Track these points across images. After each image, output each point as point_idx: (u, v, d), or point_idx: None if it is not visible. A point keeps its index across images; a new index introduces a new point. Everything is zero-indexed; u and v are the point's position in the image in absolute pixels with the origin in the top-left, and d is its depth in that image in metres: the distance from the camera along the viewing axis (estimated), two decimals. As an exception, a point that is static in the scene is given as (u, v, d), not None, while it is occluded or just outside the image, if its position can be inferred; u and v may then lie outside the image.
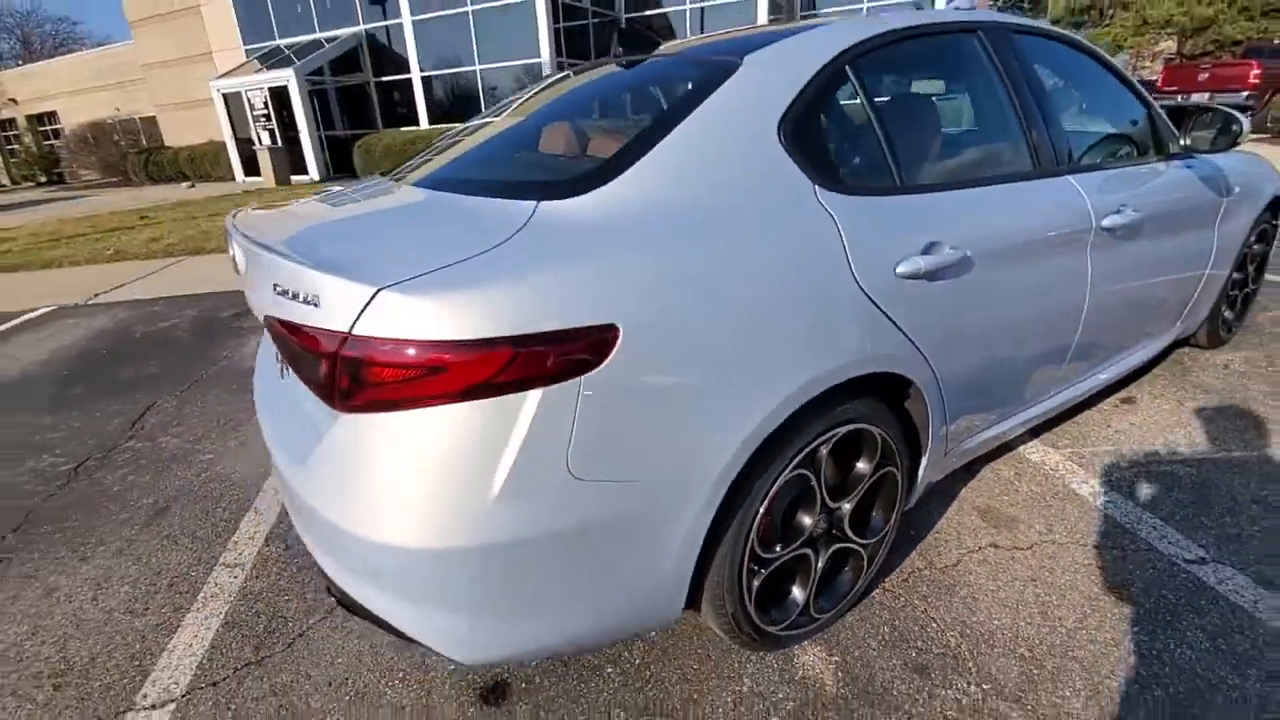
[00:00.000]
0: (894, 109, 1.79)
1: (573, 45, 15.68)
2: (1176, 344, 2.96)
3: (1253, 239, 2.88)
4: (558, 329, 1.03)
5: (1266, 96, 13.56)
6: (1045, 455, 2.34)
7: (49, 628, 1.80)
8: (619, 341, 1.06)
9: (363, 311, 1.02)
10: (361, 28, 15.98)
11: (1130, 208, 2.00)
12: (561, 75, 2.29)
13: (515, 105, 2.18)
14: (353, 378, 1.06)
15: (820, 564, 1.51)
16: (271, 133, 15.48)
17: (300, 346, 1.14)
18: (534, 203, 1.22)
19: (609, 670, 1.55)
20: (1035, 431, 2.47)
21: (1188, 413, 2.57)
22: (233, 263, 1.57)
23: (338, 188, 2.07)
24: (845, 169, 1.50)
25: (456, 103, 15.75)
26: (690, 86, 1.47)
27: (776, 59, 1.46)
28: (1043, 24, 2.14)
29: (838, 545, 1.54)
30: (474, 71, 15.19)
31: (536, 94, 2.21)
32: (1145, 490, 2.11)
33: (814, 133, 1.42)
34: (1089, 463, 2.27)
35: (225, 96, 16.01)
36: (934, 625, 1.62)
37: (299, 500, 1.25)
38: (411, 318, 1.00)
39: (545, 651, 1.27)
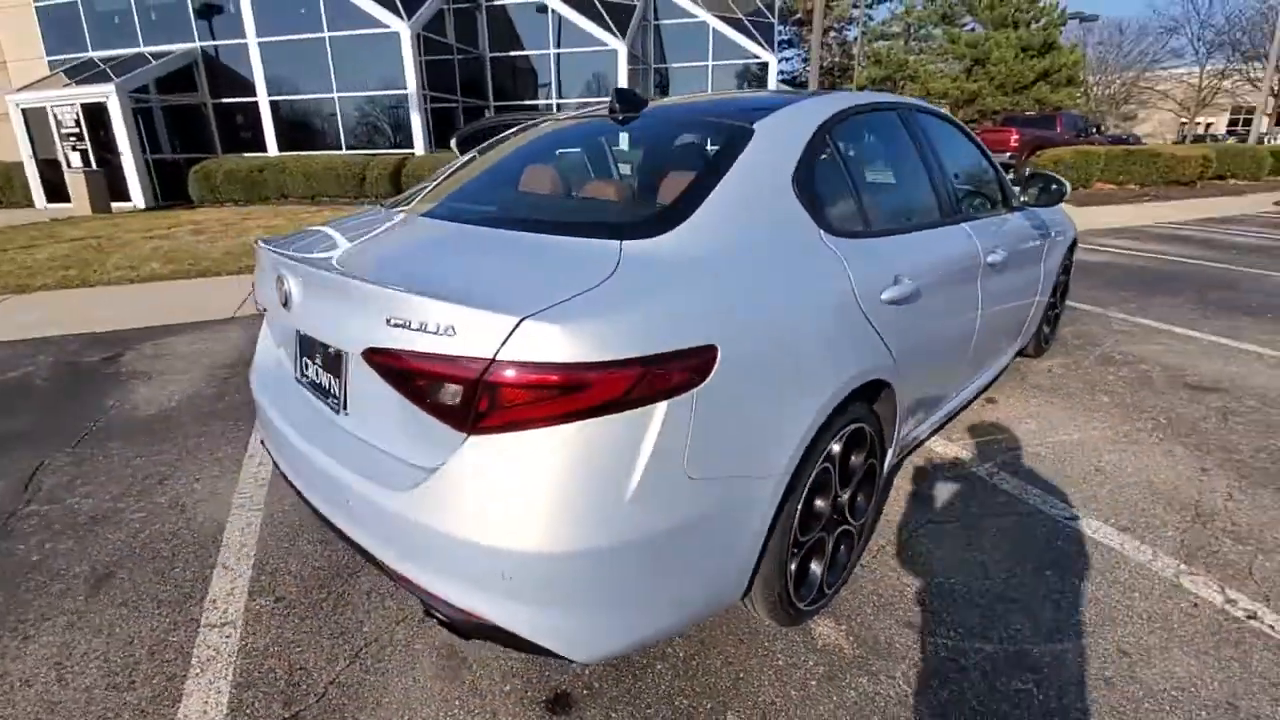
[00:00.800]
0: (858, 167, 2.15)
1: (439, 79, 15.45)
2: (1018, 354, 3.67)
3: (1060, 272, 3.68)
4: (677, 349, 1.19)
5: (1024, 156, 16.69)
6: (946, 447, 2.82)
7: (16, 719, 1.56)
8: (718, 359, 1.24)
9: (507, 339, 1.11)
10: (197, 44, 14.56)
11: (1000, 248, 2.54)
12: (541, 120, 2.46)
13: (506, 147, 2.35)
14: (492, 400, 1.14)
15: (830, 544, 1.77)
16: (84, 154, 13.51)
17: (427, 375, 1.20)
18: (617, 242, 1.38)
19: (659, 667, 1.67)
20: (937, 428, 2.96)
21: (1033, 406, 3.22)
22: (276, 294, 1.55)
23: (353, 219, 2.08)
24: (834, 216, 1.79)
25: (310, 130, 14.81)
26: (719, 146, 1.71)
27: (779, 125, 1.74)
28: (929, 104, 2.65)
29: (841, 527, 1.81)
30: (332, 99, 14.40)
31: (533, 137, 2.42)
32: (1016, 462, 2.63)
33: (812, 186, 1.71)
34: (979, 449, 2.78)
35: (26, 112, 13.72)
36: (908, 589, 1.93)
37: (401, 526, 1.26)
38: (554, 343, 1.11)
39: (641, 644, 1.38)
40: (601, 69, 16.78)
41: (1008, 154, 16.60)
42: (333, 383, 1.54)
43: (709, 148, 1.81)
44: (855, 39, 31.76)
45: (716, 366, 1.24)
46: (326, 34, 13.83)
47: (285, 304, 1.54)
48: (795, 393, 1.42)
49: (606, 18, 16.58)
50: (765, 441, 1.37)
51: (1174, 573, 2.01)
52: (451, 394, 1.18)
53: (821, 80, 32.69)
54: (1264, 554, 2.09)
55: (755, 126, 1.71)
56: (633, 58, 17.16)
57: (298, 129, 14.78)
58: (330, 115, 14.53)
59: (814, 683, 1.62)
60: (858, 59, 29.05)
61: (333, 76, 14.13)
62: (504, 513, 1.17)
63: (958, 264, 2.24)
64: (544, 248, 1.47)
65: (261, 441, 2.08)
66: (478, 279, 1.33)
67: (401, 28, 13.40)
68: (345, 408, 1.50)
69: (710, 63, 19.26)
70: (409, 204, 2.11)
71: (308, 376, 1.66)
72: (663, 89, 20.00)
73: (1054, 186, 2.92)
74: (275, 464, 1.82)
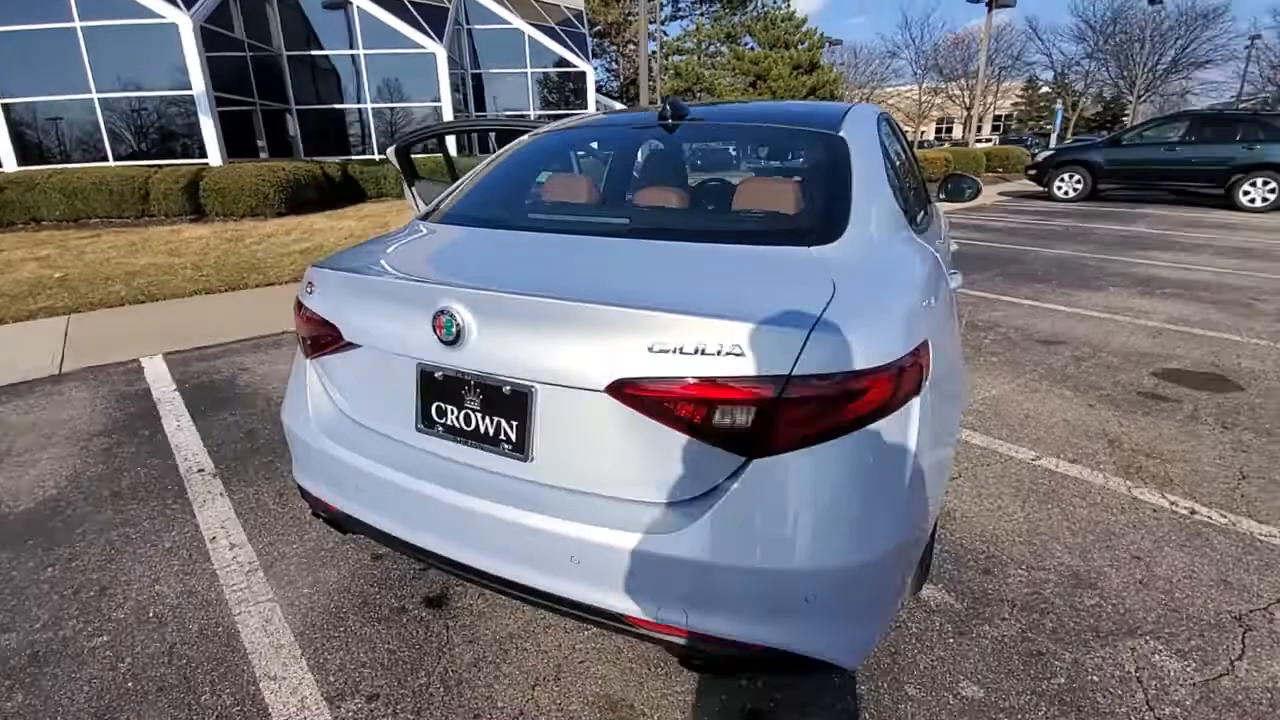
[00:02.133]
0: (899, 164, 2.31)
1: (231, 79, 13.37)
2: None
3: (941, 255, 4.31)
4: (915, 346, 1.23)
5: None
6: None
7: None
8: (930, 352, 1.31)
9: (800, 353, 1.08)
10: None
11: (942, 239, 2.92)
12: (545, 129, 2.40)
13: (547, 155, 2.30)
14: (784, 418, 1.09)
15: None
16: None
17: (707, 401, 1.11)
18: (806, 249, 1.38)
19: (818, 657, 1.69)
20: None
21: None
22: (419, 329, 1.33)
23: (415, 239, 1.88)
24: (907, 215, 1.91)
25: (63, 139, 12.04)
26: (823, 153, 1.79)
27: (857, 133, 1.86)
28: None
29: None
30: (90, 100, 11.82)
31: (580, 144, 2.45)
32: (973, 421, 3.06)
33: (895, 187, 1.84)
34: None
35: None
36: (961, 542, 2.17)
37: (670, 570, 1.15)
38: (840, 353, 1.10)
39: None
40: (419, 72, 15.77)
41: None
42: (506, 426, 1.33)
43: (812, 155, 1.87)
44: (653, 53, 33.48)
45: (931, 359, 1.30)
46: (78, 24, 11.28)
47: (456, 339, 1.29)
48: (954, 374, 1.54)
49: (420, 19, 15.62)
50: (951, 421, 1.47)
51: (1126, 489, 2.49)
52: (736, 417, 1.11)
53: (625, 90, 34.03)
54: (1170, 464, 2.68)
55: (844, 134, 1.80)
56: (451, 61, 16.37)
57: (48, 137, 11.90)
58: (90, 121, 11.90)
59: (951, 640, 1.76)
60: (656, 72, 30.69)
61: (89, 74, 11.58)
62: (808, 532, 1.13)
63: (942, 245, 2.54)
64: (739, 258, 1.45)
65: (316, 507, 1.71)
66: (721, 294, 1.25)
67: (180, 19, 11.38)
68: (529, 453, 1.31)
69: (529, 69, 19.08)
70: (478, 220, 1.94)
71: (445, 423, 1.42)
72: (479, 96, 19.38)
73: (965, 187, 3.39)
74: (371, 530, 1.54)
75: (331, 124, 16.20)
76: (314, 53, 15.94)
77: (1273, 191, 11.28)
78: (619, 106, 24.38)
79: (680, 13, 36.62)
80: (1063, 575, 1.99)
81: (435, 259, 1.76)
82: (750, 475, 1.14)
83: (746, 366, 1.09)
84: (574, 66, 19.12)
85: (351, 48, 15.81)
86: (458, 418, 1.39)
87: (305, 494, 1.73)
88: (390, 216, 10.06)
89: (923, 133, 51.18)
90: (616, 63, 35.36)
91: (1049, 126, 44.03)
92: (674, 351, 1.11)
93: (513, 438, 1.33)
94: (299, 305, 1.64)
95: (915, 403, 1.22)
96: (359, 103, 16.20)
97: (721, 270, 1.42)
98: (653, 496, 1.22)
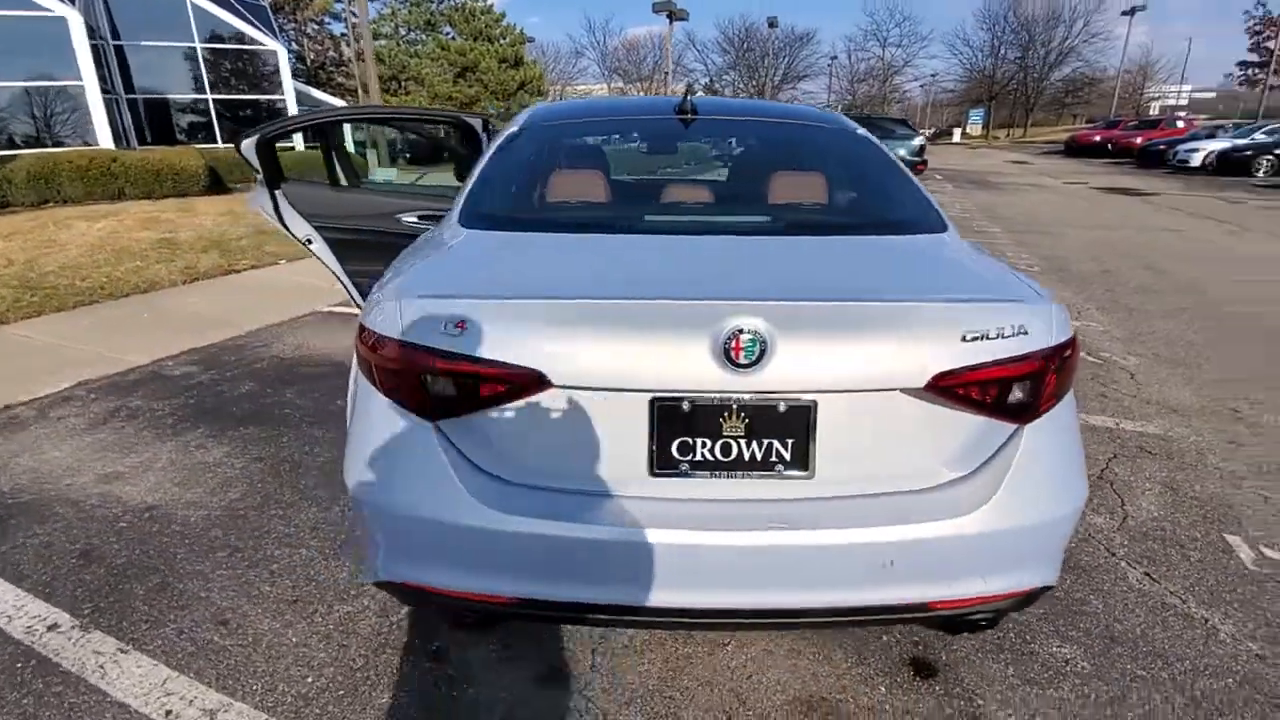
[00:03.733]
0: None
1: None
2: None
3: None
4: None
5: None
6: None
7: None
8: None
9: (1054, 327, 1.22)
10: None
11: None
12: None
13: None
14: (1047, 386, 1.22)
15: None
16: None
17: (1000, 381, 1.18)
18: (936, 234, 1.56)
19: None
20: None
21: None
22: (741, 349, 1.12)
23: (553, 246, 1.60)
24: None
25: None
26: (868, 150, 1.92)
27: (856, 128, 2.06)
28: None
29: None
30: None
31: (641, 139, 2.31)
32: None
33: None
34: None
35: None
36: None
37: (974, 546, 1.20)
38: (1065, 324, 1.26)
39: None
40: (46, 41, 11.56)
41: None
42: (780, 447, 1.20)
43: (856, 150, 2.00)
44: (343, 35, 29.90)
45: None
46: None
47: (758, 360, 1.10)
48: None
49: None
50: None
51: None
52: (1019, 390, 1.20)
53: (315, 75, 29.81)
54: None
55: (860, 133, 1.97)
56: (90, 29, 12.38)
57: None
58: None
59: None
60: (353, 56, 27.53)
61: None
62: (1063, 481, 1.27)
63: None
64: (899, 247, 1.55)
65: (462, 607, 1.38)
66: (959, 279, 1.36)
67: None
68: (811, 469, 1.21)
69: (198, 44, 15.42)
70: (577, 224, 1.72)
71: (693, 459, 1.21)
72: (125, 73, 15.04)
73: None
74: (562, 607, 1.28)
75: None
76: None
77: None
78: (324, 96, 21.13)
79: (367, -7, 33.27)
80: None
81: (615, 272, 1.40)
82: (1026, 442, 1.23)
83: (1031, 342, 1.18)
84: (259, 44, 16.04)
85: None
86: (712, 450, 1.20)
87: (432, 595, 1.30)
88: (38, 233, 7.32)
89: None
90: (298, 43, 30.67)
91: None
92: (983, 338, 1.16)
93: (788, 456, 1.21)
94: (427, 353, 1.20)
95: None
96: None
97: (905, 259, 1.48)
98: (943, 480, 1.24)
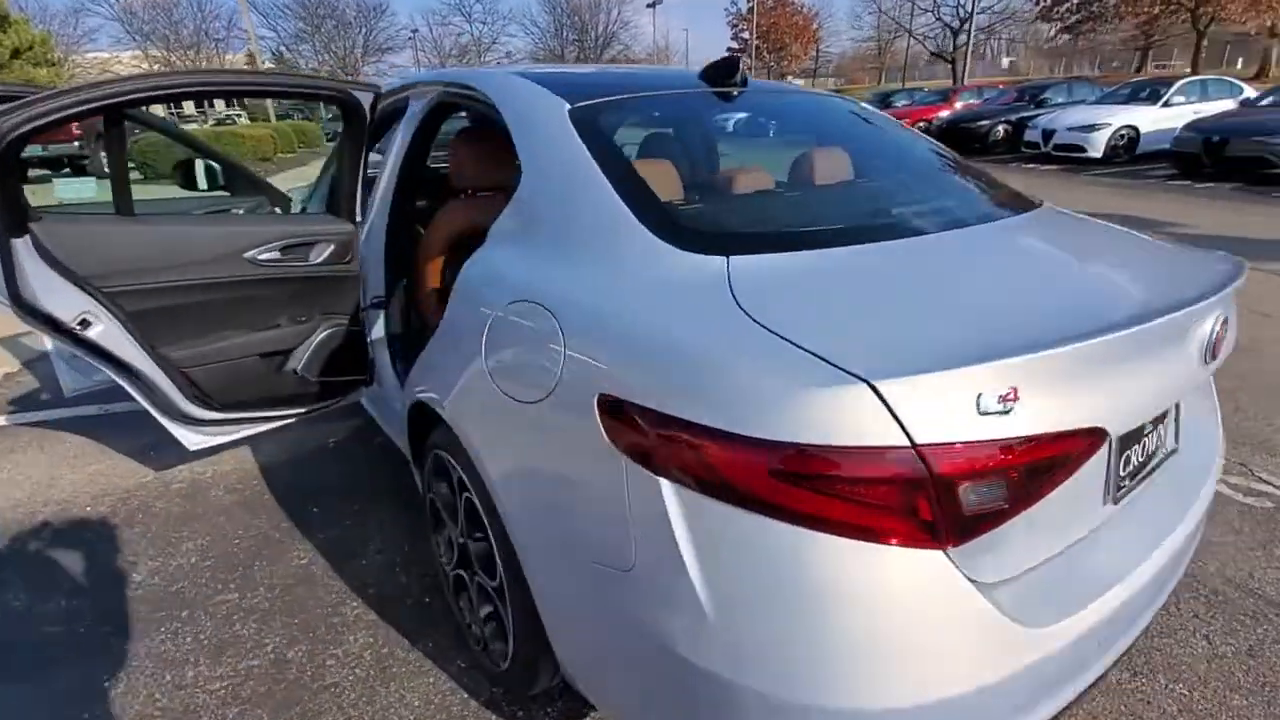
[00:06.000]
0: None
1: None
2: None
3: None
4: None
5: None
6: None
7: None
8: None
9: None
10: None
11: None
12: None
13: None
14: None
15: None
16: None
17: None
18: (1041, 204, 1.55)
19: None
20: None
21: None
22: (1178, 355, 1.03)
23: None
24: None
25: None
26: (901, 132, 1.92)
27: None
28: None
29: None
30: None
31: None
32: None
33: None
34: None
35: None
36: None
37: None
38: None
39: None
40: None
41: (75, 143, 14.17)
42: (1163, 436, 1.17)
43: (903, 134, 1.93)
44: None
45: None
46: None
47: (1213, 354, 1.08)
48: None
49: None
50: None
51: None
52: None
53: None
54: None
55: (857, 104, 2.02)
56: None
57: None
58: None
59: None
60: None
61: None
62: None
63: None
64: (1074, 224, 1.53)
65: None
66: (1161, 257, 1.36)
67: None
68: (1178, 444, 1.22)
69: None
70: (833, 236, 1.21)
71: (1130, 469, 1.08)
72: None
73: None
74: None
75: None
76: None
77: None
78: None
79: None
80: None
81: (1017, 292, 1.10)
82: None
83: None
84: None
85: None
86: (1138, 456, 1.09)
87: None
88: None
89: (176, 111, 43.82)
90: None
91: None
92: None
93: (1166, 446, 1.19)
94: (966, 449, 0.80)
95: None
96: None
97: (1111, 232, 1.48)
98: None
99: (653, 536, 0.90)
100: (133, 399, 1.80)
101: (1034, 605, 0.87)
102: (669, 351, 0.94)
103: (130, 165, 2.10)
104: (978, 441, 0.80)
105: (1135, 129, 10.84)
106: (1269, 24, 26.37)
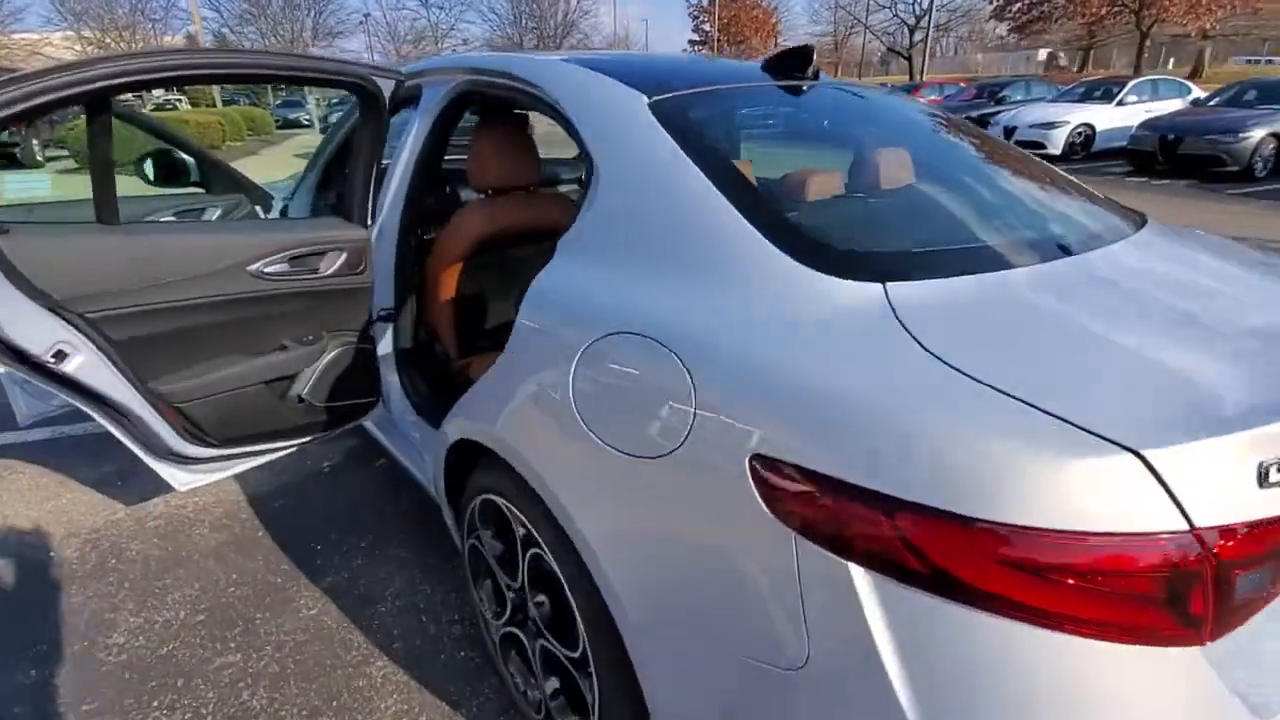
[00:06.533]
0: None
1: None
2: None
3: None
4: None
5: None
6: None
7: None
8: None
9: None
10: None
11: None
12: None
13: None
14: None
15: None
16: None
17: None
18: None
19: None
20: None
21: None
22: None
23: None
24: None
25: None
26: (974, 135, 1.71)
27: None
28: None
29: None
30: None
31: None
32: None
33: None
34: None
35: None
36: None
37: None
38: None
39: None
40: None
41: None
42: None
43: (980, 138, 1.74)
44: None
45: None
46: None
47: None
48: None
49: None
50: None
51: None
52: None
53: None
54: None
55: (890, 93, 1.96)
56: None
57: None
58: None
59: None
60: None
61: None
62: None
63: None
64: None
65: None
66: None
67: None
68: None
69: None
70: (978, 260, 1.04)
71: None
72: None
73: None
74: None
75: None
76: None
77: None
78: None
79: None
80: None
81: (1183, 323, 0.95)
82: None
83: None
84: None
85: None
86: None
87: None
88: None
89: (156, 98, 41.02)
90: None
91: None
92: None
93: None
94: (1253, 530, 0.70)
95: None
96: None
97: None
98: None
99: (837, 630, 0.75)
100: (93, 420, 1.52)
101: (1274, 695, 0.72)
102: (848, 407, 0.77)
103: (62, 152, 1.78)
104: (1263, 521, 0.68)
105: (1092, 127, 11.25)
106: (1206, 26, 27.66)
